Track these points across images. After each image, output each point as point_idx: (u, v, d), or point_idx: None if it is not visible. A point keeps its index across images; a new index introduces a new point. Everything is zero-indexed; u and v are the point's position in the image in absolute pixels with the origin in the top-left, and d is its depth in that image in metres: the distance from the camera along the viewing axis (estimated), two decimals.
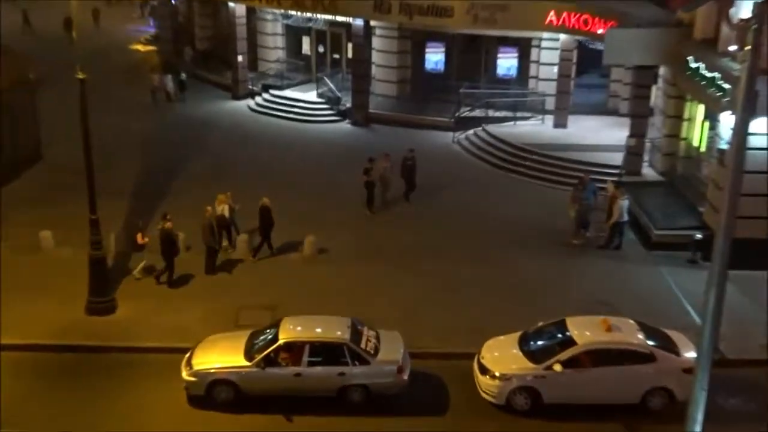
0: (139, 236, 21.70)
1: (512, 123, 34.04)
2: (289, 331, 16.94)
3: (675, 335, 17.56)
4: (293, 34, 40.89)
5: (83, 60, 18.20)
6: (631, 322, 17.50)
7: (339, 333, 16.91)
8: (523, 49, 35.86)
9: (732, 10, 22.15)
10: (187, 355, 17.32)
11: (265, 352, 16.62)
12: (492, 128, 33.34)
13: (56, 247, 22.76)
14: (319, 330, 17.25)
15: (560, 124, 33.34)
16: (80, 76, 18.17)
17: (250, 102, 38.75)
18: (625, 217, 23.72)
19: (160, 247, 21.14)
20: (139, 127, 34.50)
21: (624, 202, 23.53)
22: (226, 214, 23.03)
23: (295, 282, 21.66)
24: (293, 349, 16.73)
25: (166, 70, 41.01)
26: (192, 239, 23.11)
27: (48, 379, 17.44)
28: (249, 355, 16.80)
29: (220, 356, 16.98)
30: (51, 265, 21.81)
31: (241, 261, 22.70)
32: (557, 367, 16.46)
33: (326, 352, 16.74)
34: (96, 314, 19.65)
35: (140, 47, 50.63)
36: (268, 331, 17.35)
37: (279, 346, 16.67)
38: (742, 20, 11.61)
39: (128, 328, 19.23)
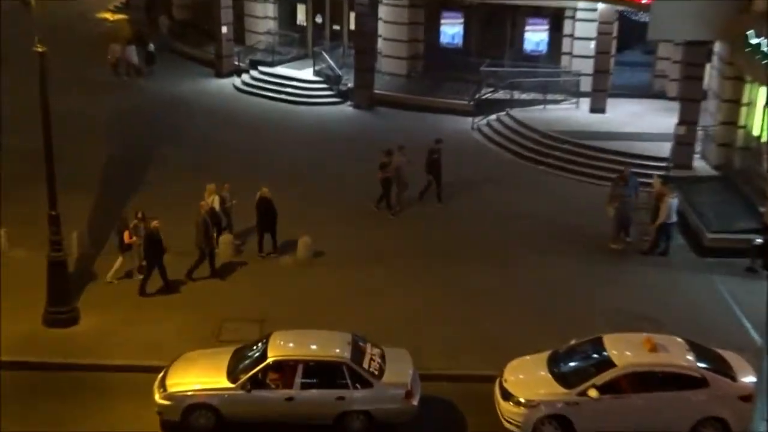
0: (126, 234, 21.71)
1: (541, 107, 34.07)
2: (279, 348, 16.94)
3: (730, 356, 17.51)
4: (287, 1, 40.99)
5: (41, 32, 18.21)
6: (679, 340, 17.47)
7: (337, 350, 16.90)
8: (555, 20, 35.88)
9: None
10: (161, 374, 17.30)
11: (252, 372, 16.61)
12: (518, 113, 33.37)
13: (10, 248, 22.81)
14: (314, 347, 17.24)
15: (597, 108, 33.38)
16: (39, 49, 18.18)
17: (236, 80, 38.84)
18: (674, 218, 23.69)
19: (143, 249, 21.31)
20: (106, 108, 34.59)
21: (672, 201, 23.50)
22: (217, 206, 23.12)
23: (287, 290, 21.69)
24: (284, 368, 16.73)
25: (133, 41, 41.11)
26: (168, 239, 23.14)
27: (1, 402, 17.46)
28: (233, 375, 16.80)
29: (199, 376, 16.97)
30: (3, 268, 21.84)
31: (232, 263, 22.82)
32: (592, 393, 16.44)
33: (323, 373, 16.72)
34: (56, 326, 19.67)
35: (108, 16, 50.65)
36: (255, 347, 17.35)
37: (268, 365, 16.67)
38: None
39: (93, 342, 19.24)
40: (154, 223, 21.18)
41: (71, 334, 19.58)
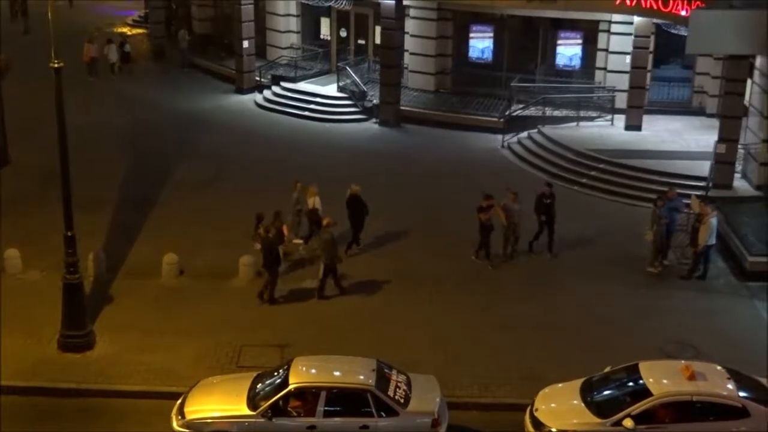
0: (262, 230, 22.52)
1: (574, 124, 34.08)
2: (301, 375, 16.99)
3: None
4: (310, 15, 41.29)
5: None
6: (719, 368, 17.37)
7: (362, 377, 16.94)
8: (589, 34, 35.90)
9: None
10: (179, 401, 17.41)
11: (273, 399, 16.66)
12: (550, 130, 33.39)
13: (24, 269, 23.07)
14: (337, 373, 17.30)
15: (633, 125, 33.33)
16: (55, 65, 18.46)
17: (257, 96, 39.14)
18: (713, 240, 23.58)
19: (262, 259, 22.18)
20: (121, 124, 35.01)
21: (713, 220, 23.38)
22: (319, 207, 24.24)
23: (310, 315, 21.77)
24: (306, 396, 16.78)
25: (114, 42, 43.08)
26: (185, 260, 23.37)
27: (13, 428, 17.60)
28: (253, 402, 16.86)
29: (219, 403, 17.04)
30: (17, 291, 22.09)
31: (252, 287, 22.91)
32: (628, 423, 16.37)
33: (346, 401, 16.75)
34: (71, 351, 19.83)
35: (127, 30, 51.34)
36: (276, 373, 17.41)
37: (289, 392, 16.71)
38: None
39: (108, 367, 19.39)
40: (273, 232, 22.14)
41: (86, 358, 19.74)
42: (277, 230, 22.71)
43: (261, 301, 22.29)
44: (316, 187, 24.76)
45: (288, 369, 17.16)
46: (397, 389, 16.97)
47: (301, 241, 24.90)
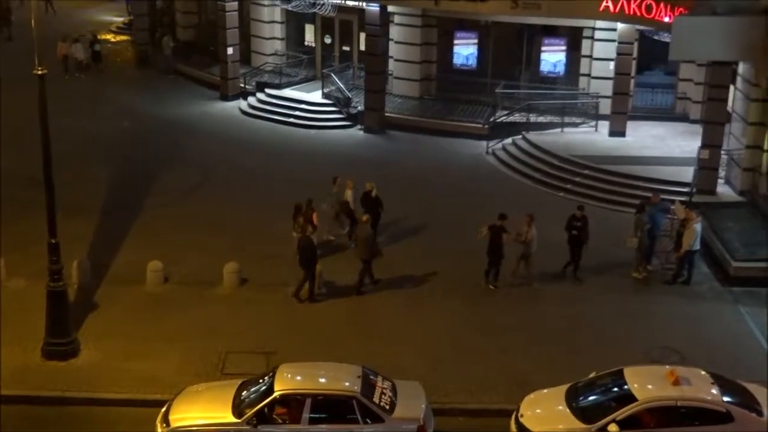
0: (315, 216, 23.56)
1: (559, 130, 34.19)
2: (286, 382, 16.97)
3: (757, 390, 17.47)
4: (295, 22, 41.28)
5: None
6: (704, 373, 17.45)
7: (347, 384, 16.93)
8: (573, 41, 36.04)
9: None
10: (164, 409, 17.37)
11: (258, 407, 16.64)
12: (534, 136, 33.49)
13: (8, 276, 22.97)
14: (323, 380, 17.29)
15: (617, 131, 33.47)
16: (39, 72, 18.40)
17: (242, 103, 39.10)
18: (697, 245, 23.68)
19: (297, 257, 22.50)
20: (105, 130, 34.95)
21: (697, 225, 23.47)
22: (350, 200, 25.26)
23: (295, 322, 21.75)
24: (292, 403, 16.75)
25: (81, 42, 43.65)
26: (170, 267, 23.31)
27: None
28: (238, 409, 16.83)
29: (204, 411, 17.00)
30: (1, 298, 21.96)
31: (237, 294, 22.89)
32: (613, 428, 16.40)
33: (332, 407, 16.73)
34: (55, 358, 19.74)
35: (111, 37, 51.23)
36: (261, 380, 17.39)
37: (274, 399, 16.69)
38: None
39: (93, 375, 19.32)
40: (310, 230, 22.67)
41: (70, 366, 19.65)
42: (307, 219, 23.42)
43: (299, 300, 22.57)
44: (352, 181, 25.62)
45: (273, 376, 17.14)
46: (383, 396, 16.98)
47: (333, 238, 25.72)
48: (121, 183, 29.82)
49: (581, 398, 17.35)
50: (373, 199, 25.22)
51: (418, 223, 27.11)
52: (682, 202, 25.64)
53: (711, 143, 28.23)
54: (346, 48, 39.98)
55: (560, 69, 36.52)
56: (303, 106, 37.70)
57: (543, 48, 36.61)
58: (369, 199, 25.21)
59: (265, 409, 16.62)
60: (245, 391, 17.26)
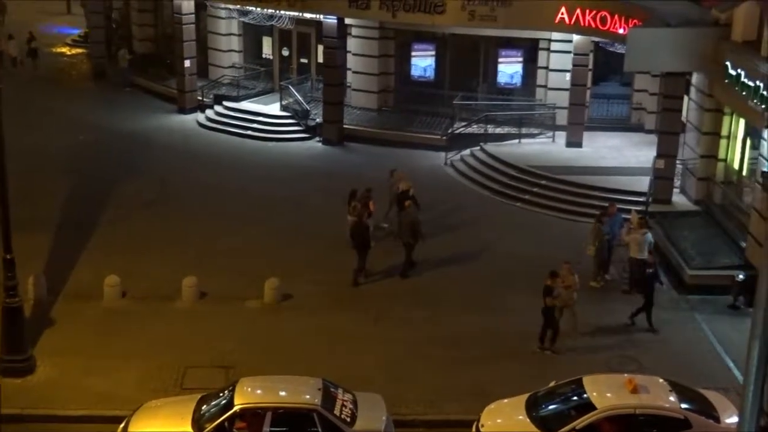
0: (371, 204, 24.92)
1: (516, 141, 34.39)
2: (246, 395, 16.91)
3: (714, 396, 17.71)
4: (252, 34, 41.22)
5: None
6: (662, 381, 17.63)
7: (308, 397, 16.91)
8: (529, 52, 36.30)
9: None
10: (122, 425, 17.23)
11: (218, 421, 16.55)
12: (492, 147, 33.66)
13: None
14: (283, 393, 17.24)
15: (574, 142, 33.75)
16: None
17: (200, 116, 38.93)
18: (645, 255, 23.93)
19: (351, 240, 24.05)
20: (61, 144, 34.63)
21: (641, 238, 23.68)
22: (407, 188, 26.25)
23: (255, 335, 21.67)
24: (252, 417, 16.68)
25: (15, 38, 45.59)
26: (127, 282, 23.13)
27: None
28: (198, 424, 16.74)
29: (162, 426, 16.88)
30: None
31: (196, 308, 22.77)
32: None
33: (292, 421, 16.70)
34: (11, 375, 19.49)
35: (66, 50, 50.80)
36: (221, 395, 17.31)
37: (234, 413, 16.62)
38: None
39: (50, 392, 19.12)
40: (360, 211, 24.12)
41: (27, 383, 19.43)
42: (363, 205, 24.75)
43: (365, 277, 24.18)
44: (403, 173, 27.39)
45: (233, 390, 17.07)
46: (344, 408, 16.97)
47: (387, 225, 26.93)
48: (77, 197, 29.54)
49: (541, 408, 17.45)
50: (410, 199, 25.75)
51: (376, 235, 27.12)
52: (638, 212, 25.87)
53: (666, 153, 28.53)
54: (303, 60, 39.97)
55: (517, 80, 36.77)
56: (261, 118, 37.62)
57: (500, 59, 36.82)
58: (405, 198, 25.79)
59: (225, 423, 16.53)
60: (205, 406, 17.18)
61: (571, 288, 21.40)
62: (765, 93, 22.02)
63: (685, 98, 29.33)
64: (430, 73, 37.81)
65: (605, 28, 30.84)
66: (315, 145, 36.18)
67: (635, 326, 22.27)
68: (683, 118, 29.47)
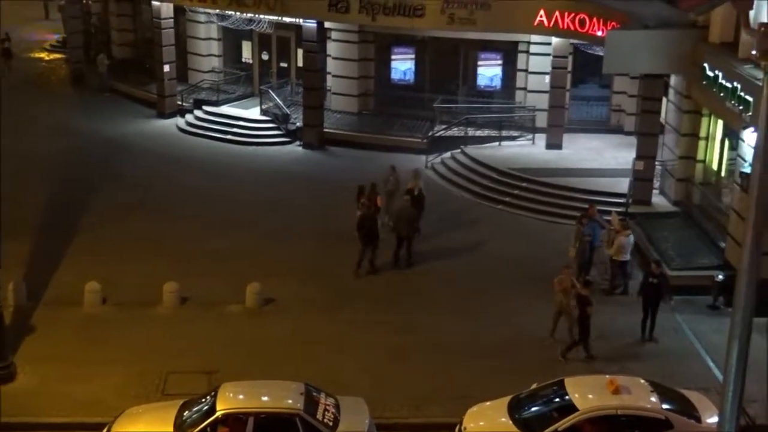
0: (379, 199, 25.78)
1: (497, 144, 34.48)
2: (229, 401, 16.86)
3: (694, 397, 17.79)
4: (231, 38, 41.16)
5: None
6: (643, 382, 17.69)
7: (290, 401, 16.87)
8: (509, 55, 36.41)
9: (751, 14, 22.69)
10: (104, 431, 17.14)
11: (200, 427, 16.48)
12: (472, 150, 33.74)
13: None
14: (265, 398, 17.20)
15: (554, 144, 33.87)
16: None
17: (179, 121, 38.85)
18: (627, 257, 24.03)
19: (357, 233, 24.55)
20: (41, 150, 34.49)
21: (624, 239, 23.81)
22: (412, 187, 26.73)
23: (237, 339, 21.61)
24: (234, 422, 16.61)
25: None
26: (108, 288, 23.03)
27: None
28: (180, 430, 16.66)
29: None
30: None
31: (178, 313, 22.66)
32: None
33: (275, 426, 16.63)
34: None
35: (44, 56, 50.58)
36: (203, 400, 17.25)
37: (217, 419, 16.55)
38: (762, 25, 11.96)
39: (31, 399, 18.98)
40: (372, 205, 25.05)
41: (7, 391, 19.24)
42: (370, 200, 25.62)
43: (373, 269, 24.88)
44: (418, 172, 28.17)
45: (215, 395, 17.02)
46: (326, 412, 16.95)
47: (386, 218, 27.27)
48: (57, 202, 29.40)
49: (523, 410, 17.47)
50: (416, 197, 26.51)
51: (356, 239, 27.06)
52: (618, 213, 25.99)
53: (645, 155, 28.66)
54: (283, 64, 39.94)
55: (497, 83, 36.88)
56: (241, 122, 37.58)
57: (479, 62, 36.94)
58: (411, 197, 26.39)
59: (208, 429, 16.46)
60: (187, 411, 17.10)
61: (569, 292, 21.52)
62: (742, 94, 22.14)
63: (664, 100, 29.46)
64: (410, 77, 37.88)
65: (584, 31, 30.98)
66: (295, 149, 36.14)
67: (657, 342, 21.97)
68: (662, 120, 29.60)
